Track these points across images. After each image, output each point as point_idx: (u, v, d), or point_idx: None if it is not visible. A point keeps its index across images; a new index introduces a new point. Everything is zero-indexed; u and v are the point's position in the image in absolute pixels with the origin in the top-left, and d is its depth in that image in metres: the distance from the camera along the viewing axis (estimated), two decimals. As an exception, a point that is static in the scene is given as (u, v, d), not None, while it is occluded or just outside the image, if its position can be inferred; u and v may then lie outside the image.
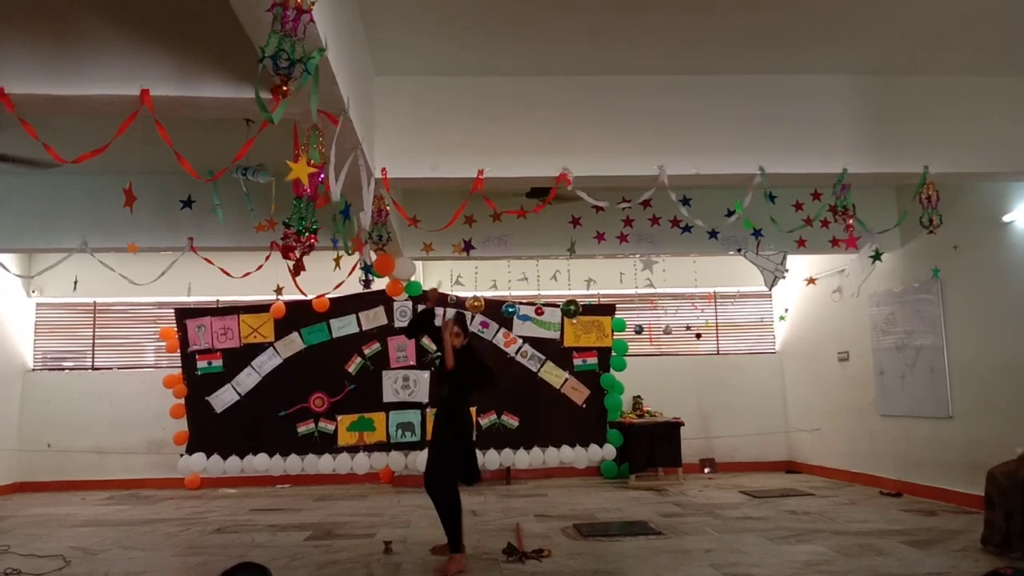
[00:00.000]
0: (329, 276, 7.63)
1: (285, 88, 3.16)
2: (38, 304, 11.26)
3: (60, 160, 4.10)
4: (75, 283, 8.61)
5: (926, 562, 5.54)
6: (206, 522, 7.92)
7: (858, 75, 6.27)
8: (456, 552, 5.58)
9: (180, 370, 9.86)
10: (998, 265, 7.48)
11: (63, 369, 11.25)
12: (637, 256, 8.77)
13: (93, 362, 11.29)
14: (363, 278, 7.28)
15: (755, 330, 12.03)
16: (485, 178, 5.86)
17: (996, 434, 7.27)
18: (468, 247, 8.25)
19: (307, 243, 4.60)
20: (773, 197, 6.30)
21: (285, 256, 4.54)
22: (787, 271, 8.06)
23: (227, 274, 8.10)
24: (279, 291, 8.59)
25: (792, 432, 11.47)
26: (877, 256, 7.71)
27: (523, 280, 10.06)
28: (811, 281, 9.85)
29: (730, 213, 6.34)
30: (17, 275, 9.78)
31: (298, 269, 4.80)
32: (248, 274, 8.10)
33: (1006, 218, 7.38)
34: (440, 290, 6.94)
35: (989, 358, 7.56)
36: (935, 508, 7.78)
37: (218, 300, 10.47)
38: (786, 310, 11.42)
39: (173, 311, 10.05)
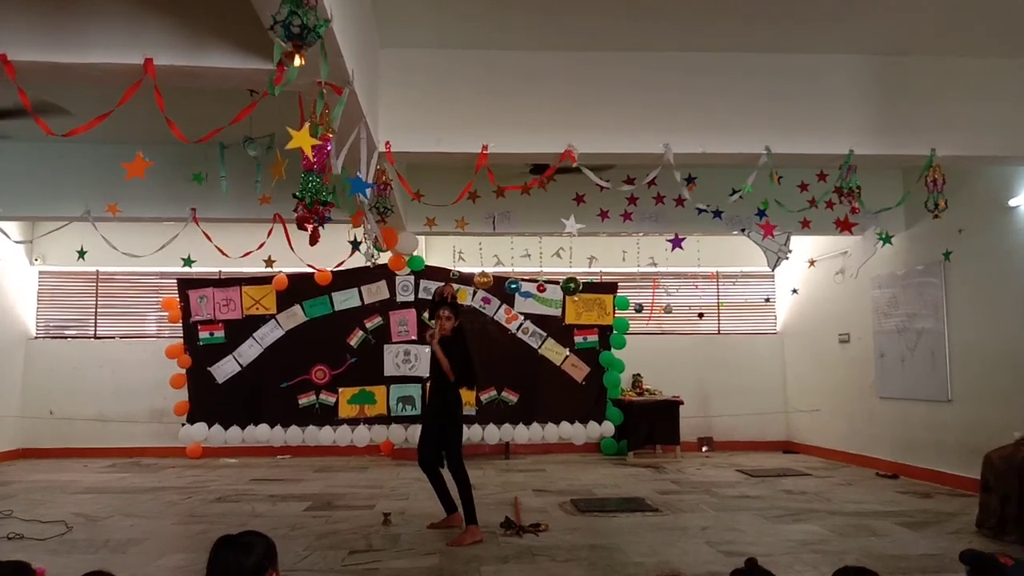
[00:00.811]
0: (334, 248, 7.62)
1: (300, 55, 3.12)
2: (41, 272, 11.28)
3: (50, 133, 4.07)
4: (83, 254, 8.58)
5: (920, 543, 5.58)
6: (207, 491, 7.99)
7: (866, 55, 6.21)
8: (472, 523, 5.72)
9: (182, 340, 9.89)
10: (1003, 250, 7.46)
11: (65, 337, 11.29)
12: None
13: (95, 331, 11.34)
14: (370, 257, 7.24)
15: (756, 310, 12.03)
16: (489, 153, 5.83)
17: (994, 418, 7.29)
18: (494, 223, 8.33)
19: (322, 215, 4.56)
20: (779, 177, 6.27)
21: (300, 227, 4.50)
22: (791, 252, 8.04)
23: (223, 253, 8.09)
24: (270, 263, 8.53)
25: (791, 412, 11.51)
26: (886, 239, 7.65)
27: (526, 256, 10.04)
28: (812, 263, 9.83)
29: (735, 192, 6.31)
30: (18, 241, 9.77)
31: (314, 239, 4.78)
32: (248, 253, 8.10)
33: (1012, 202, 7.35)
34: (452, 284, 6.84)
35: (990, 343, 7.56)
36: (931, 490, 7.83)
37: (220, 271, 10.48)
38: (795, 290, 11.36)
39: (176, 281, 10.08)
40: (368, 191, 5.16)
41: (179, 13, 4.00)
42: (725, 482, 8.49)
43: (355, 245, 7.56)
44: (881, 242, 7.54)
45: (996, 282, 7.55)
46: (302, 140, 3.40)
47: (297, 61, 3.19)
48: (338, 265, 8.50)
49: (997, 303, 7.52)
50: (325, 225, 4.27)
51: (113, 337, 11.29)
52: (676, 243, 7.21)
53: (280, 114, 4.53)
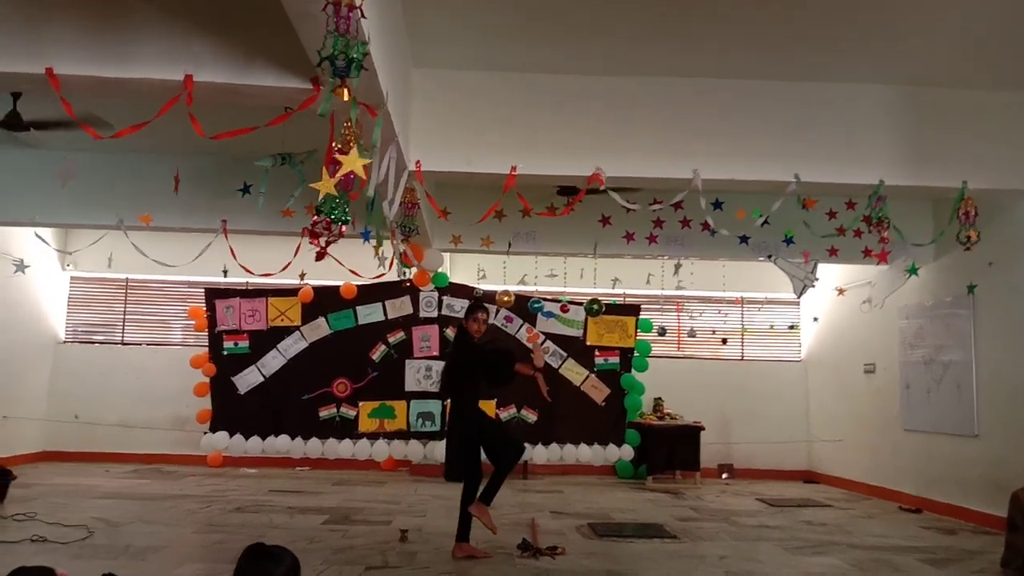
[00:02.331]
0: (365, 263, 7.67)
1: (347, 89, 3.19)
2: (72, 277, 11.47)
3: (97, 137, 4.18)
4: (109, 260, 8.72)
5: (944, 581, 5.49)
6: (226, 500, 8.04)
7: (898, 85, 6.20)
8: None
9: (207, 349, 9.99)
10: (1033, 284, 7.36)
11: (93, 343, 11.45)
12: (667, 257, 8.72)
13: (123, 337, 11.49)
14: (401, 274, 7.31)
15: (780, 337, 11.93)
16: (518, 174, 5.87)
17: (1021, 455, 7.16)
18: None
19: (337, 232, 4.64)
20: (815, 202, 6.25)
21: (311, 241, 4.57)
22: (817, 279, 7.99)
23: (247, 271, 8.17)
24: (302, 276, 8.63)
25: (813, 442, 11.38)
26: (912, 270, 7.58)
27: (551, 276, 10.07)
28: (841, 291, 9.75)
29: (761, 217, 6.30)
30: (56, 250, 9.94)
31: (320, 256, 4.86)
32: (270, 274, 8.19)
33: (1044, 237, 7.26)
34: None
35: (1018, 377, 7.43)
36: (955, 527, 7.69)
37: (248, 282, 10.59)
38: (815, 319, 11.28)
39: (203, 291, 10.20)
40: (394, 208, 5.22)
41: (222, 31, 4.09)
42: (745, 511, 8.40)
43: (390, 262, 7.56)
44: (908, 274, 7.47)
45: (1026, 317, 7.45)
46: (352, 163, 3.45)
47: (345, 95, 3.25)
48: (377, 277, 8.53)
49: (1027, 338, 7.41)
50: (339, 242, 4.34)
51: (140, 344, 11.44)
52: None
53: (316, 132, 4.60)
